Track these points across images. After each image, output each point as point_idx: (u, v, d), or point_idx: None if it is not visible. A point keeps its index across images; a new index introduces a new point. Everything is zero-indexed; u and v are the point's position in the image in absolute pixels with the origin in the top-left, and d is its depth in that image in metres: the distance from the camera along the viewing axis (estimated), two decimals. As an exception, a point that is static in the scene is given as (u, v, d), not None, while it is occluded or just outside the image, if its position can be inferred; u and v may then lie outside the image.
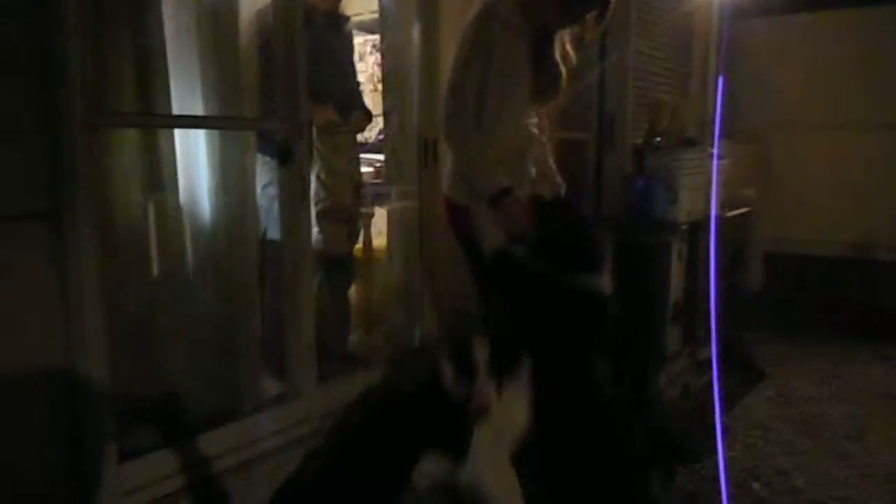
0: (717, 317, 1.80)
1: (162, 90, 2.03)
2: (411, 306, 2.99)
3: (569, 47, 2.41)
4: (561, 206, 2.40)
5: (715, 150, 2.77)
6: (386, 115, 3.01)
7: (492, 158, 2.25)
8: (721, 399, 3.12)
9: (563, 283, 2.06)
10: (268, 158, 2.49)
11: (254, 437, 2.19)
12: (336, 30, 3.01)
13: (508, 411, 1.85)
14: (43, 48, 1.59)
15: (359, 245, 3.39)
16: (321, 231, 2.91)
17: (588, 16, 2.31)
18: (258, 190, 2.50)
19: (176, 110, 2.08)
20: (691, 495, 2.35)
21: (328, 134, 2.89)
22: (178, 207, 2.16)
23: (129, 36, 1.96)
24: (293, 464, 2.25)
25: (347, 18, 3.11)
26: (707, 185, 3.37)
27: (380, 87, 3.43)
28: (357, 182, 3.18)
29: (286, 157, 2.29)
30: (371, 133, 4.25)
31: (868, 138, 4.44)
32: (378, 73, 4.13)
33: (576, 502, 2.06)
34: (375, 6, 3.12)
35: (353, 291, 3.34)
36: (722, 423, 1.71)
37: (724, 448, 1.81)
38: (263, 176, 2.58)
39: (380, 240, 3.39)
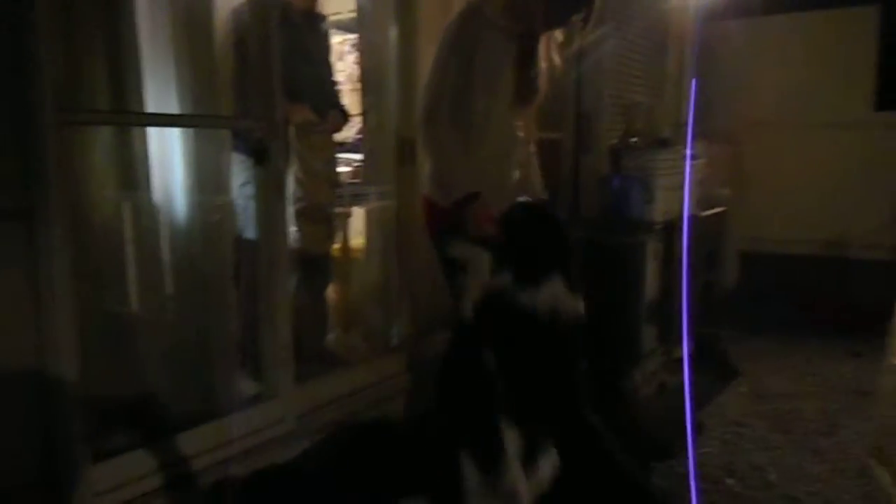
0: (691, 315, 1.81)
1: (135, 88, 2.01)
2: (389, 306, 2.99)
3: (554, 51, 2.41)
4: (538, 216, 2.33)
5: (688, 151, 2.79)
6: (364, 114, 3.01)
7: (466, 161, 2.25)
8: (696, 396, 3.16)
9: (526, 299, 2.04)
10: (244, 157, 2.48)
11: (230, 437, 2.18)
12: (312, 28, 3.00)
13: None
14: (14, 46, 1.57)
15: (337, 245, 3.38)
16: (298, 230, 2.90)
17: (573, 18, 2.31)
18: (235, 189, 2.49)
19: (150, 109, 2.07)
20: (667, 492, 2.37)
21: (305, 133, 2.88)
22: (152, 206, 2.14)
23: (102, 34, 1.95)
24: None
25: (324, 17, 3.10)
26: (682, 184, 3.40)
27: (359, 86, 3.42)
28: (335, 182, 3.18)
29: (262, 156, 2.28)
30: (349, 132, 4.24)
31: (840, 137, 4.51)
32: (357, 72, 4.12)
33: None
34: (354, 5, 3.12)
35: (330, 291, 3.33)
36: (695, 419, 1.72)
37: (694, 445, 1.82)
38: (240, 175, 2.57)
39: (358, 239, 3.38)
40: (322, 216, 3.05)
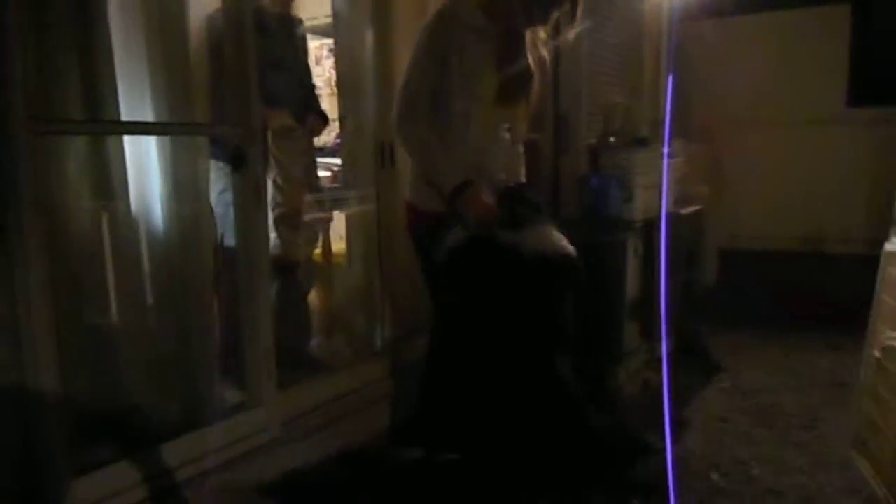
0: (671, 312, 1.83)
1: (110, 96, 1.99)
2: (372, 310, 2.99)
3: (542, 48, 2.38)
4: (516, 188, 2.39)
5: (666, 149, 2.82)
6: (342, 118, 3.01)
7: (450, 157, 2.24)
8: (679, 392, 3.19)
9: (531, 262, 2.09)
10: (222, 164, 2.46)
11: (214, 447, 2.16)
12: (288, 33, 2.99)
13: None
14: (-17, 54, 1.55)
15: (318, 250, 3.37)
16: (279, 236, 2.89)
17: (554, 15, 2.30)
18: (214, 196, 2.46)
19: (125, 116, 2.04)
20: (650, 487, 2.38)
21: (284, 139, 2.87)
22: (130, 215, 2.12)
23: (74, 41, 1.92)
24: (254, 473, 2.24)
25: (300, 21, 3.09)
26: (661, 183, 3.43)
27: (337, 90, 3.41)
28: (315, 186, 3.17)
29: (239, 162, 2.27)
30: (328, 137, 4.23)
31: (815, 134, 4.56)
32: (335, 76, 4.11)
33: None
34: (330, 10, 3.11)
35: (313, 296, 3.32)
36: (674, 416, 1.74)
37: (673, 442, 1.83)
38: (219, 182, 2.56)
39: (339, 244, 3.37)
40: (302, 221, 3.04)
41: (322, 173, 3.50)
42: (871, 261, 2.64)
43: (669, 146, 3.18)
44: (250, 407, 2.35)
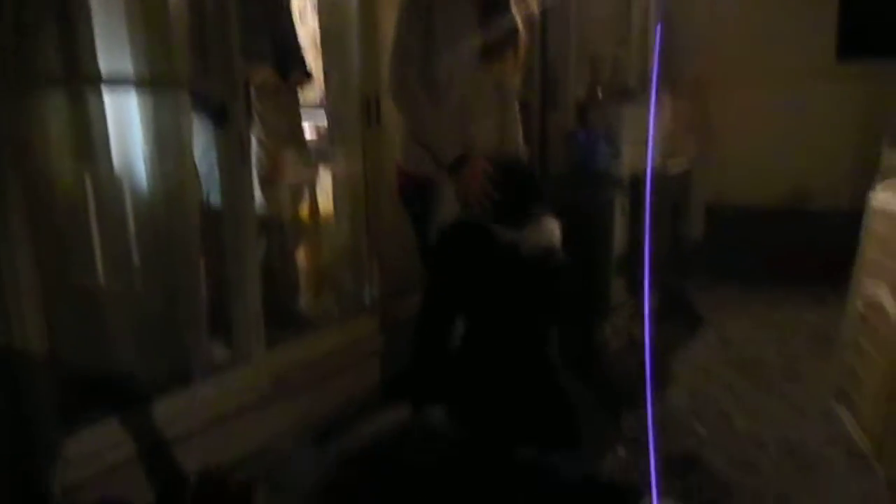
0: (655, 267, 1.84)
1: (88, 50, 1.93)
2: (360, 268, 2.98)
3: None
4: (518, 172, 2.34)
5: (653, 101, 2.79)
6: (325, 74, 2.95)
7: (445, 121, 2.22)
8: (663, 347, 3.22)
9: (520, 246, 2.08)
10: (206, 121, 2.42)
11: (203, 405, 2.17)
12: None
13: None
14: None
15: (304, 207, 3.34)
16: (263, 194, 2.86)
17: None
18: (198, 155, 2.43)
19: (105, 74, 2.00)
20: (635, 441, 2.42)
21: (267, 95, 2.82)
22: (113, 174, 2.08)
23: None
24: (244, 430, 2.26)
25: (283, -26, 3.01)
26: (648, 138, 3.40)
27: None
28: (300, 143, 3.13)
29: (222, 117, 2.23)
30: (314, 94, 4.16)
31: (802, 89, 4.52)
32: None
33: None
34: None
35: (300, 254, 3.31)
36: (657, 368, 1.76)
37: (655, 394, 1.87)
38: (202, 139, 2.52)
39: (326, 202, 3.35)
40: (287, 179, 3.01)
41: (307, 132, 3.46)
42: (857, 216, 2.66)
43: (657, 100, 3.15)
44: (239, 365, 2.36)
